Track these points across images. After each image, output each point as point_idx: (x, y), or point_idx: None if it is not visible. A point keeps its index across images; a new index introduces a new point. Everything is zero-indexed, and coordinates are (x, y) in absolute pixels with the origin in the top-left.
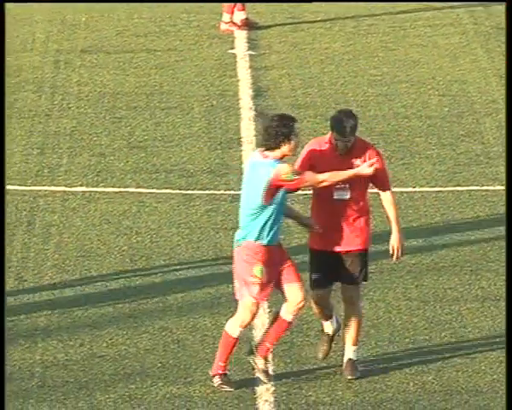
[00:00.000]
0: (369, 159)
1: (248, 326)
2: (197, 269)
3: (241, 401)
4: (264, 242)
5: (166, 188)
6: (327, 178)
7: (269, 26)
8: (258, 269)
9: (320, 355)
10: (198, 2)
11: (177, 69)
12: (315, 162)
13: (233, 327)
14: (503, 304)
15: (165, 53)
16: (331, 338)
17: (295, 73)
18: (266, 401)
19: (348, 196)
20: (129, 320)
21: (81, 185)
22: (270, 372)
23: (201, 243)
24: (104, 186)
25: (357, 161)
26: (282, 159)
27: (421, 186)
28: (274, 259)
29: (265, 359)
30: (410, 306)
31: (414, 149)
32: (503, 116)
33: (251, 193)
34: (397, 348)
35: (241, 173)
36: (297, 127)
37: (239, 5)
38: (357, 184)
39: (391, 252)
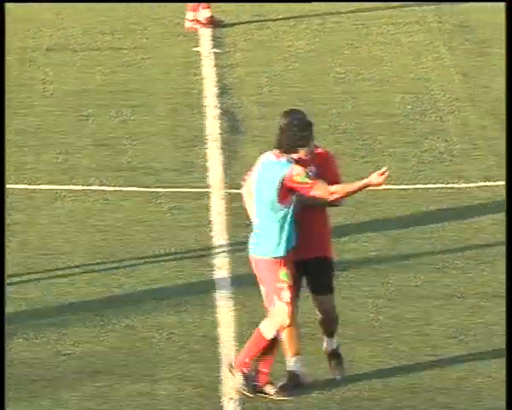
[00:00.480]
0: (321, 161)
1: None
2: (162, 267)
3: (206, 399)
4: (287, 248)
5: (131, 186)
6: (338, 189)
7: (234, 24)
8: (284, 273)
9: (279, 389)
10: (163, 2)
11: (142, 67)
12: None
13: (268, 329)
14: (468, 301)
15: (131, 51)
16: (296, 379)
17: (260, 70)
18: (231, 399)
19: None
20: (94, 318)
21: (46, 183)
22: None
23: (166, 241)
24: (69, 184)
25: (311, 168)
26: (297, 162)
27: (385, 184)
28: (292, 262)
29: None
30: (376, 303)
31: (377, 146)
32: (466, 114)
33: (266, 193)
34: (363, 345)
35: (206, 171)
36: (313, 131)
37: (204, 3)
38: None
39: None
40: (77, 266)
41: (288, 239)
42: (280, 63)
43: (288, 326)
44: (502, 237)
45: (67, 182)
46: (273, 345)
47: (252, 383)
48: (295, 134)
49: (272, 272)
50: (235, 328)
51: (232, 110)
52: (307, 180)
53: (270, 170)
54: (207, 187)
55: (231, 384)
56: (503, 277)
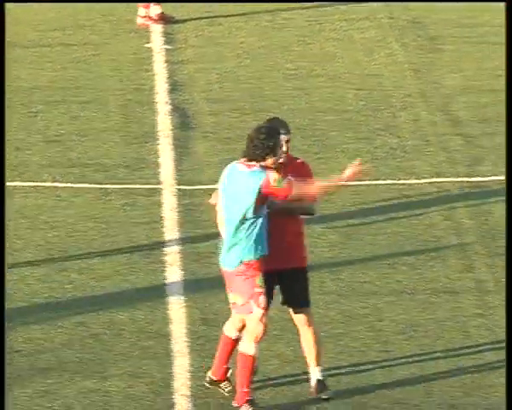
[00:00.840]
0: (297, 170)
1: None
2: (114, 263)
3: (158, 396)
4: (259, 254)
5: (82, 182)
6: (313, 187)
7: (185, 21)
8: (259, 279)
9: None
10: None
11: (92, 63)
12: None
13: (248, 346)
14: (418, 297)
15: (81, 47)
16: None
17: (211, 67)
18: (183, 395)
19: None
20: (45, 315)
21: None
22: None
23: (118, 238)
24: (20, 180)
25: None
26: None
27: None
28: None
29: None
30: (327, 300)
31: (330, 143)
32: (419, 110)
33: (239, 205)
34: None
35: (158, 167)
36: (283, 139)
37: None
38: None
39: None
40: (28, 263)
41: (260, 245)
42: (231, 60)
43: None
44: (452, 232)
45: (18, 178)
46: (234, 346)
47: (257, 404)
48: (262, 142)
49: (247, 279)
50: (187, 324)
51: (183, 106)
52: (283, 184)
53: (244, 180)
54: (159, 183)
55: (183, 381)
56: (453, 273)
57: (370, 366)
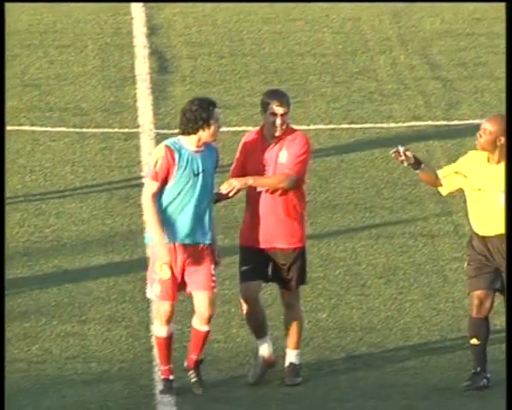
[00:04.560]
0: (294, 148)
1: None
2: (91, 207)
3: (135, 340)
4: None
5: (60, 126)
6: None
7: None
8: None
9: (251, 380)
10: None
11: (70, 7)
12: (245, 157)
13: (156, 328)
14: (396, 241)
15: None
16: (267, 364)
17: (189, 11)
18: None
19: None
20: (22, 259)
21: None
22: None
23: (96, 181)
24: None
25: (282, 152)
26: (199, 145)
27: (316, 124)
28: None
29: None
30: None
31: (308, 86)
32: (396, 53)
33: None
34: None
35: (136, 111)
36: (217, 112)
37: None
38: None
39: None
40: (6, 207)
41: (176, 226)
42: (208, 3)
43: (250, 312)
44: None
45: None
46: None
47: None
48: (194, 115)
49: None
50: None
51: (161, 50)
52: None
53: None
54: (137, 127)
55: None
56: (431, 216)
57: (348, 310)
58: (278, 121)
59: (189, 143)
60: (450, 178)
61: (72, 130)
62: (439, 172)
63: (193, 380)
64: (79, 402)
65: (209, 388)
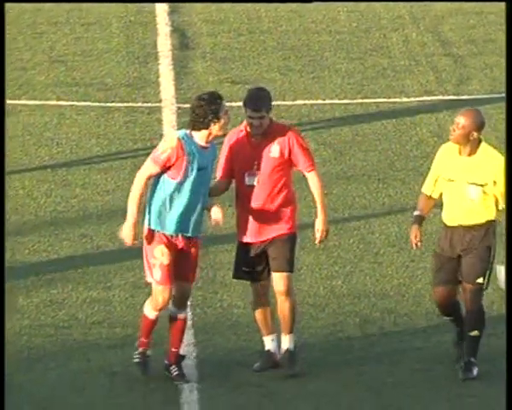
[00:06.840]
0: (289, 142)
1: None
2: (116, 178)
3: None
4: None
5: (86, 101)
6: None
7: None
8: (158, 249)
9: (256, 367)
10: None
11: None
12: (232, 155)
13: (148, 309)
14: (408, 211)
15: None
16: (272, 359)
17: None
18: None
19: (256, 182)
20: (50, 228)
21: (3, 98)
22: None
23: (120, 155)
24: (26, 99)
25: (273, 146)
26: (209, 140)
27: (331, 98)
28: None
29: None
30: None
31: (323, 62)
32: (408, 31)
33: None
34: (307, 254)
35: (158, 86)
36: (225, 105)
37: None
38: (268, 167)
39: (316, 234)
40: (33, 178)
41: (173, 218)
42: None
43: (260, 306)
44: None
45: (24, 97)
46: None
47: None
48: (204, 110)
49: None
50: None
51: (182, 28)
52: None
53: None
54: (159, 102)
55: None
56: None
57: (362, 277)
58: (254, 123)
59: (200, 138)
60: (436, 187)
61: (97, 104)
62: (425, 189)
63: (174, 374)
64: (104, 366)
65: (228, 352)
